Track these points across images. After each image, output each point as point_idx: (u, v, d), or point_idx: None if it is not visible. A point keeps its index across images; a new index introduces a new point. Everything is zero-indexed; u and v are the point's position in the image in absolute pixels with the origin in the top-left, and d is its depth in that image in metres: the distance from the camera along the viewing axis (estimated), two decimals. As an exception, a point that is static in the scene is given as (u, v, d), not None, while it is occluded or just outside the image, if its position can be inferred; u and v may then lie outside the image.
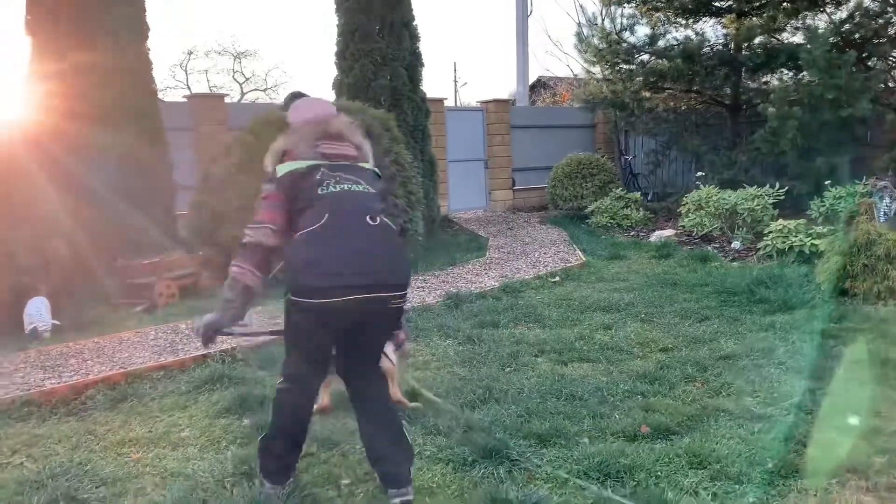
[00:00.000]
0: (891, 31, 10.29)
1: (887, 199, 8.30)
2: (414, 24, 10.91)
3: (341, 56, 10.58)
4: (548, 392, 4.07)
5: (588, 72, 13.37)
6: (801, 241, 7.72)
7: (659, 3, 12.42)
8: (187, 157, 9.56)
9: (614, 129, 15.17)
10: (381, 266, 2.69)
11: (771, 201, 9.26)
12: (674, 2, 12.27)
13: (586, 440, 3.41)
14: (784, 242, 7.85)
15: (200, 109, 10.74)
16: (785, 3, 10.94)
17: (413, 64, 10.88)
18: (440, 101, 13.01)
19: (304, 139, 2.88)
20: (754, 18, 11.56)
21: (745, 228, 9.21)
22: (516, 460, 3.20)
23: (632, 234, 11.08)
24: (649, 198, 13.36)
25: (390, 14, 10.38)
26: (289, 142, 2.90)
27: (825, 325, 5.19)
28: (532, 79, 22.81)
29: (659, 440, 3.37)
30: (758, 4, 11.43)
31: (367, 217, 2.72)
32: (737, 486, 2.90)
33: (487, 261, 8.87)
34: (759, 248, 8.28)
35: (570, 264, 8.35)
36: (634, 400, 3.93)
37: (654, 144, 13.91)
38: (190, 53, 45.76)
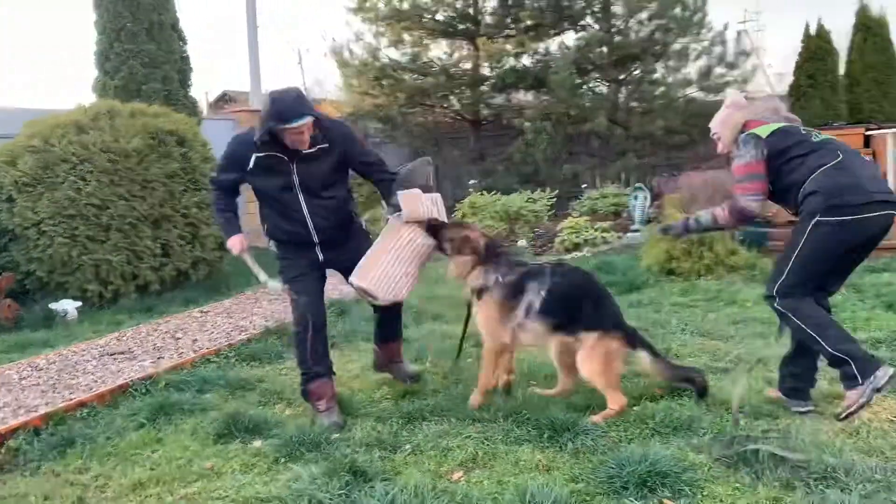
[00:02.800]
0: (612, 57, 12.25)
1: (641, 199, 9.91)
2: (180, 26, 10.21)
3: (104, 56, 9.45)
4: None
5: (350, 85, 13.61)
6: (593, 234, 8.90)
7: (411, 24, 13.16)
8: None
9: (366, 141, 15.60)
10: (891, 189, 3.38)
11: (547, 203, 10.46)
12: (425, 24, 13.12)
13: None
14: (578, 237, 8.97)
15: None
16: (530, 31, 12.39)
17: (183, 68, 10.17)
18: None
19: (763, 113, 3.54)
20: (503, 42, 12.88)
21: (526, 228, 10.26)
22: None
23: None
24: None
25: (158, 15, 9.59)
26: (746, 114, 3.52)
27: (678, 298, 6.17)
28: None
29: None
30: (507, 30, 12.77)
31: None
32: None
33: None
34: (553, 244, 9.32)
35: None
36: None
37: (405, 157, 14.60)
38: None
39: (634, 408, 3.60)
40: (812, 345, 3.31)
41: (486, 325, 3.77)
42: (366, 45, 13.07)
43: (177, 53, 9.99)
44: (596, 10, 12.61)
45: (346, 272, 3.87)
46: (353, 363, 4.86)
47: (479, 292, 3.76)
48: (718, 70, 13.12)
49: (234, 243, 3.92)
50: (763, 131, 3.41)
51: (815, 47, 12.05)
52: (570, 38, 13.26)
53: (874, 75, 11.74)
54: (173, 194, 7.25)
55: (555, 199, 10.59)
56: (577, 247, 8.92)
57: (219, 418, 3.73)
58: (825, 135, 3.46)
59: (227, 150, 3.90)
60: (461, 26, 13.31)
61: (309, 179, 3.76)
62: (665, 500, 2.70)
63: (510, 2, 12.35)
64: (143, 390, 4.32)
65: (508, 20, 12.83)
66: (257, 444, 3.49)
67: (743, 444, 3.03)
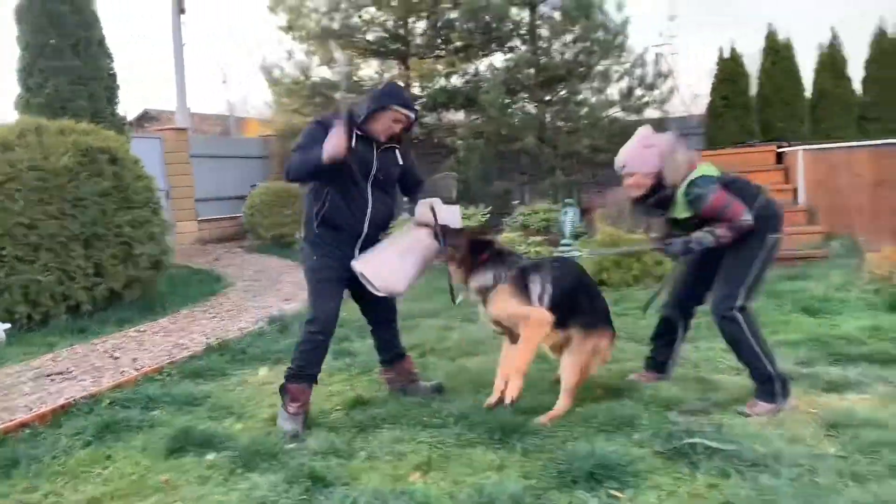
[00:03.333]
0: (540, 78, 12.65)
1: (570, 215, 10.24)
2: (106, 42, 10.03)
3: (27, 73, 9.20)
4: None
5: (281, 103, 13.56)
6: (527, 249, 9.14)
7: (342, 43, 13.26)
8: None
9: (294, 160, 15.59)
10: None
11: (480, 220, 10.69)
12: (357, 43, 13.26)
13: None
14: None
15: None
16: (460, 52, 12.68)
17: (110, 85, 9.98)
18: (120, 126, 11.93)
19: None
20: (434, 62, 13.13)
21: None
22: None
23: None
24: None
25: (84, 32, 9.42)
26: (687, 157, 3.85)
27: (612, 308, 6.43)
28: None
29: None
30: (438, 50, 13.04)
31: None
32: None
33: (243, 289, 8.56)
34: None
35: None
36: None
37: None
38: None
39: (578, 409, 3.78)
40: (752, 359, 3.72)
41: (509, 311, 3.79)
42: (297, 64, 13.08)
43: (104, 71, 9.79)
44: (523, 32, 13.00)
45: (356, 282, 3.93)
46: (299, 377, 4.88)
47: (485, 291, 3.84)
48: (639, 91, 13.74)
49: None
50: (709, 170, 3.82)
51: (729, 70, 12.80)
52: (499, 59, 13.63)
53: (783, 96, 12.51)
54: (106, 213, 7.10)
55: (488, 216, 10.82)
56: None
57: (169, 434, 3.71)
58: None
59: (318, 125, 3.87)
60: (392, 46, 13.49)
61: (383, 173, 3.91)
62: (612, 491, 2.87)
63: (440, 23, 12.60)
64: (87, 409, 4.23)
65: (439, 41, 13.08)
66: (211, 456, 3.49)
67: (681, 438, 3.25)
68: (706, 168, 3.82)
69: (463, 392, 4.22)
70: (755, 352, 3.70)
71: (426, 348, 5.37)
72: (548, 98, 12.95)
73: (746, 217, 3.68)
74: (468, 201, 11.76)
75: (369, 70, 13.89)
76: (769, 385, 3.68)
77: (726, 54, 12.94)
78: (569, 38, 12.99)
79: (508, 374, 3.78)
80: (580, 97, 12.69)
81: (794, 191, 9.41)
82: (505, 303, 3.80)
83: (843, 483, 2.80)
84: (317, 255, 3.95)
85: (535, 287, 3.80)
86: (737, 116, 12.49)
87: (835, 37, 12.66)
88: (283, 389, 3.93)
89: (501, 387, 3.82)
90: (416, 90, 13.64)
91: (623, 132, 13.09)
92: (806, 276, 7.07)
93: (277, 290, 8.37)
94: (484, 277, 3.85)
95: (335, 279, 3.94)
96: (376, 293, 3.88)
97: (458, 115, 13.08)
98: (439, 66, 13.14)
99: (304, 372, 3.93)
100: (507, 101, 12.06)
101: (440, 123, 13.53)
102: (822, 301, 5.91)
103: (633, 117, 13.49)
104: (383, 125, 3.81)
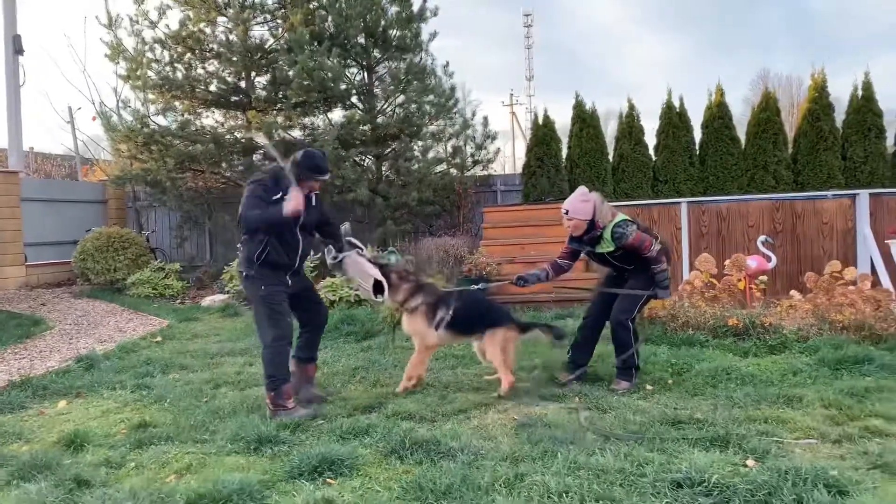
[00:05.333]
0: (374, 135, 13.58)
1: (394, 260, 11.10)
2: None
3: None
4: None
5: (117, 150, 13.67)
6: (348, 292, 9.88)
7: (180, 94, 13.67)
8: None
9: (133, 205, 15.62)
10: None
11: (309, 264, 11.32)
12: (198, 94, 13.71)
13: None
14: (335, 295, 9.90)
15: None
16: (298, 107, 13.39)
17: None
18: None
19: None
20: (274, 115, 13.76)
21: (290, 289, 11.02)
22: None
23: (178, 301, 11.87)
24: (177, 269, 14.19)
25: None
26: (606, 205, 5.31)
27: (405, 343, 7.25)
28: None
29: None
30: (278, 104, 13.70)
31: None
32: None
33: (61, 332, 8.69)
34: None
35: (156, 327, 8.87)
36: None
37: (178, 220, 14.84)
38: None
39: (324, 423, 4.49)
40: (629, 355, 5.21)
41: (416, 331, 5.34)
42: (133, 111, 13.32)
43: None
44: (358, 90, 13.95)
45: (293, 297, 5.10)
46: (95, 408, 5.30)
47: (411, 311, 5.33)
48: (468, 150, 15.02)
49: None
50: (626, 217, 5.30)
51: (543, 134, 14.29)
52: (337, 114, 14.50)
53: (588, 159, 14.10)
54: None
55: (318, 261, 11.46)
56: (332, 304, 9.83)
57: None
58: None
59: (257, 188, 4.88)
60: (234, 98, 14.03)
61: (307, 219, 4.98)
62: (328, 479, 3.59)
63: (278, 80, 13.29)
64: None
65: (279, 95, 13.75)
66: (-10, 473, 3.90)
67: (402, 437, 4.03)
68: (623, 216, 5.29)
69: (238, 413, 4.82)
70: (633, 351, 5.22)
71: (221, 381, 5.91)
72: (382, 153, 13.89)
73: (655, 247, 5.18)
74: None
75: (210, 120, 14.31)
76: (631, 371, 5.27)
77: (541, 120, 14.45)
78: (402, 99, 14.08)
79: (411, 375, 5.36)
80: (412, 153, 13.69)
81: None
82: (412, 325, 5.34)
83: (501, 464, 3.66)
84: (264, 286, 4.93)
85: (441, 312, 5.27)
86: (548, 175, 13.95)
87: (632, 107, 14.47)
88: (278, 397, 4.78)
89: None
90: (259, 139, 14.18)
91: (451, 187, 14.31)
92: (576, 316, 8.19)
93: (96, 333, 8.58)
94: (412, 301, 5.33)
95: (284, 301, 5.00)
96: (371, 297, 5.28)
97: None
98: (279, 119, 13.78)
99: (280, 376, 4.84)
100: (342, 154, 12.85)
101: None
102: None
103: (463, 174, 14.76)
104: (309, 186, 4.97)
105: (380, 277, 5.23)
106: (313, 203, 5.10)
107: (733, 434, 4.00)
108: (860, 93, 13.47)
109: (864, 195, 9.66)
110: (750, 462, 3.60)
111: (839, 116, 13.76)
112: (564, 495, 3.26)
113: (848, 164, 13.35)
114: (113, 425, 4.81)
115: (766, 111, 13.76)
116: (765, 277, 7.83)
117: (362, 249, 5.42)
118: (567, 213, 5.30)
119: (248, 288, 5.14)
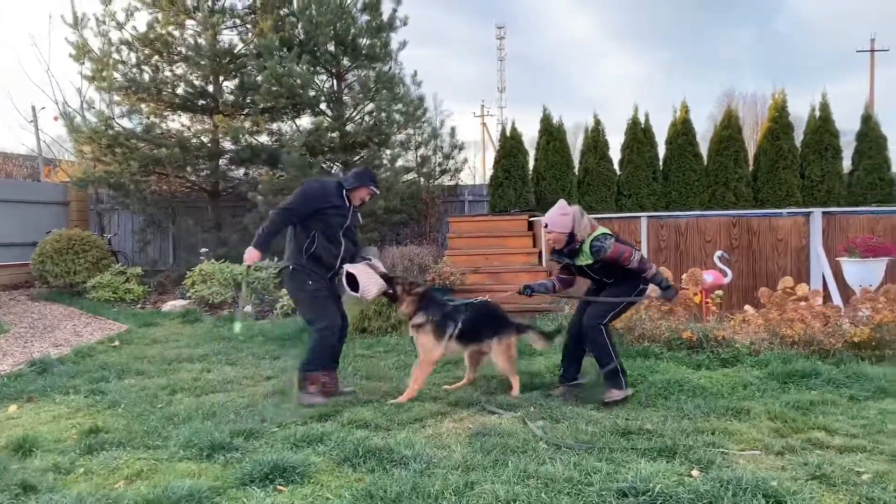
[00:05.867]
0: (342, 142, 13.60)
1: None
2: None
3: None
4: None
5: (80, 151, 13.48)
6: (310, 300, 9.85)
7: (146, 96, 13.55)
8: None
9: (96, 207, 15.40)
10: None
11: (274, 272, 11.27)
12: (164, 97, 13.59)
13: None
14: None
15: None
16: (265, 113, 13.35)
17: None
18: None
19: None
20: (242, 120, 13.70)
21: (253, 295, 10.97)
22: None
23: (139, 306, 11.73)
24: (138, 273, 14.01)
25: None
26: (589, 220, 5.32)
27: (363, 351, 7.28)
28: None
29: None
30: (246, 109, 13.64)
31: None
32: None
33: (16, 335, 8.55)
34: (274, 310, 10.12)
35: (114, 332, 8.76)
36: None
37: (141, 223, 14.66)
38: None
39: (279, 431, 4.49)
40: (606, 358, 5.24)
41: (423, 346, 5.43)
42: (98, 113, 13.16)
43: None
44: (327, 98, 13.95)
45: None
46: (46, 413, 5.23)
47: (419, 325, 5.41)
48: (437, 159, 15.10)
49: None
50: (606, 231, 5.32)
51: (510, 146, 14.41)
52: (305, 121, 14.48)
53: (554, 172, 14.24)
54: None
55: (279, 270, 11.41)
56: (294, 312, 9.80)
57: None
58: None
59: (312, 189, 5.52)
60: (201, 102, 13.93)
61: (352, 227, 5.59)
62: (279, 486, 3.60)
63: (246, 84, 13.24)
64: None
65: (247, 100, 13.70)
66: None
67: (356, 445, 4.05)
68: (603, 229, 5.31)
69: (193, 420, 4.80)
70: (609, 352, 5.25)
71: (177, 387, 5.87)
72: (350, 160, 13.90)
73: (636, 257, 5.21)
74: (270, 254, 12.34)
75: (177, 123, 14.19)
76: (618, 377, 5.22)
77: (508, 132, 14.58)
78: (371, 107, 14.12)
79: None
80: (380, 161, 13.71)
81: (539, 254, 10.88)
82: (422, 339, 5.42)
83: (452, 472, 3.70)
84: (311, 280, 5.42)
85: (449, 329, 5.42)
86: (515, 187, 14.05)
87: (598, 122, 14.67)
88: (301, 379, 5.34)
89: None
90: (227, 144, 14.08)
91: (418, 196, 14.35)
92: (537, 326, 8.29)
93: (52, 337, 8.46)
94: (420, 315, 5.44)
95: (330, 295, 5.52)
96: (352, 294, 5.39)
97: (262, 172, 13.63)
98: (247, 124, 13.72)
99: (318, 363, 5.35)
100: (310, 160, 12.83)
101: (244, 179, 14.04)
102: (532, 346, 7.03)
103: (431, 183, 14.82)
104: (360, 196, 5.59)
105: (365, 280, 5.35)
106: (358, 215, 5.73)
107: (681, 445, 4.09)
108: (818, 113, 13.85)
109: (817, 213, 9.91)
110: (695, 472, 3.68)
111: (799, 136, 14.14)
112: (513, 503, 3.32)
113: (806, 182, 13.71)
114: (64, 430, 4.75)
115: (729, 129, 14.07)
116: (720, 292, 7.98)
117: (370, 260, 5.68)
118: (546, 226, 5.37)
119: (295, 281, 5.49)
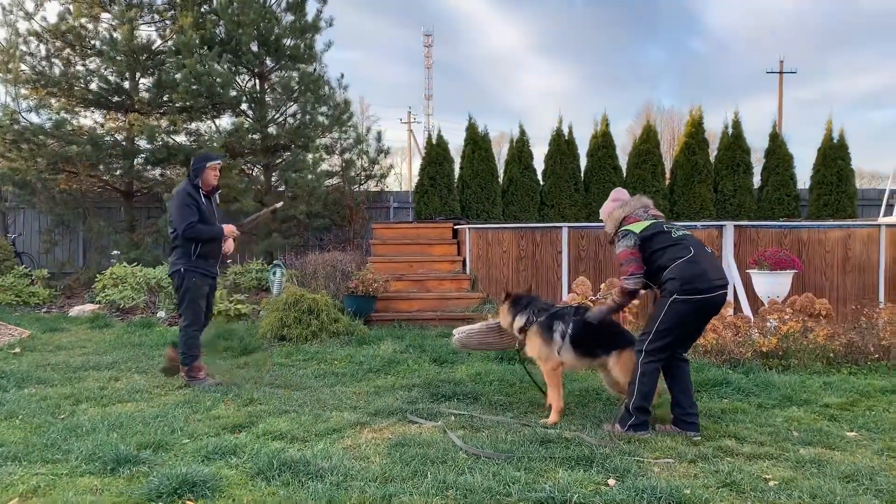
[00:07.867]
0: (264, 144, 13.31)
1: (278, 274, 10.87)
2: None
3: None
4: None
5: (-16, 146, 12.72)
6: (227, 306, 9.58)
7: (57, 90, 12.94)
8: None
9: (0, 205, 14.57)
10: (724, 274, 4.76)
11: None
12: (76, 92, 13.00)
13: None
14: (215, 308, 9.55)
15: None
16: (183, 112, 12.93)
17: None
18: None
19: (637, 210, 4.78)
20: (158, 118, 13.22)
21: (168, 300, 10.58)
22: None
23: (44, 310, 11.15)
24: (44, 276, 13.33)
25: None
26: (626, 210, 4.75)
27: (282, 359, 7.10)
28: None
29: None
30: (163, 107, 13.18)
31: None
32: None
33: None
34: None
35: (15, 338, 8.28)
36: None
37: (48, 223, 13.96)
38: None
39: (189, 443, 4.32)
40: (629, 395, 4.63)
41: (537, 352, 5.07)
42: (2, 107, 12.45)
43: None
44: (249, 98, 13.64)
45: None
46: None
47: (522, 330, 5.12)
48: (361, 164, 14.95)
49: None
50: (637, 227, 4.68)
51: (436, 154, 14.44)
52: (226, 121, 14.11)
53: (479, 181, 14.34)
54: None
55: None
56: (211, 317, 9.49)
57: None
58: (682, 231, 4.81)
59: (190, 196, 5.96)
60: (115, 98, 13.39)
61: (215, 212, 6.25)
62: (188, 501, 3.44)
63: (165, 83, 12.80)
64: None
65: (164, 98, 13.25)
66: None
67: (270, 458, 3.92)
68: (635, 226, 4.71)
69: (98, 431, 4.56)
70: (634, 389, 4.63)
71: (82, 396, 5.57)
72: (271, 163, 13.62)
73: (628, 280, 4.66)
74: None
75: (89, 120, 13.61)
76: (627, 415, 4.64)
77: (434, 140, 14.60)
78: (294, 108, 13.87)
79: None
80: (303, 165, 13.47)
81: (464, 262, 10.92)
82: (530, 345, 5.13)
83: (370, 484, 3.63)
84: (195, 278, 6.00)
85: (558, 330, 5.01)
86: (441, 195, 14.08)
87: (522, 132, 14.87)
88: (188, 373, 5.99)
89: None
90: (142, 142, 13.55)
91: (341, 201, 14.17)
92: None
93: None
94: (522, 320, 5.16)
95: (204, 294, 6.13)
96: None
97: (180, 172, 13.20)
98: (164, 123, 13.26)
99: (193, 354, 6.02)
100: (229, 162, 12.49)
101: (160, 179, 13.56)
102: (454, 353, 7.03)
103: (355, 188, 14.66)
104: (208, 181, 6.06)
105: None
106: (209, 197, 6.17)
107: (598, 453, 4.14)
108: (731, 130, 14.45)
109: (729, 226, 10.29)
110: (611, 481, 3.72)
111: (714, 152, 14.69)
112: (431, 515, 3.27)
113: (719, 196, 14.26)
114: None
115: (647, 143, 14.50)
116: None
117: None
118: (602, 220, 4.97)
119: (181, 279, 6.04)
